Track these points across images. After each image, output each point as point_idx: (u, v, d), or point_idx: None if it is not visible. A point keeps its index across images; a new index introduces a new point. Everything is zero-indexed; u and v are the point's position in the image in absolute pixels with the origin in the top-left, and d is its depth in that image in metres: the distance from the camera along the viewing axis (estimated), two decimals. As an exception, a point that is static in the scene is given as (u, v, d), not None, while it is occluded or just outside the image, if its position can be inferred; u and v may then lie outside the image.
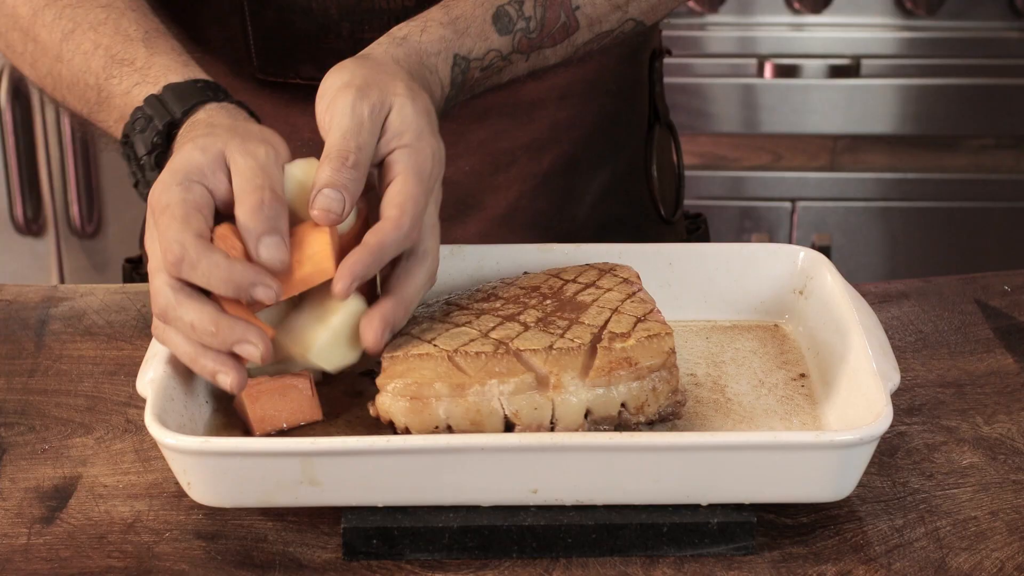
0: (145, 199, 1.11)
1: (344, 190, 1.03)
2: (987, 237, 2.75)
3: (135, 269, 1.61)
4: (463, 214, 1.44)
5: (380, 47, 1.15)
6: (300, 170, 1.06)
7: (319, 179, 1.03)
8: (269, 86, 1.39)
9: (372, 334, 1.04)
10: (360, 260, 1.02)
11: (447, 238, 1.26)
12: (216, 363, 1.02)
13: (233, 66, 1.39)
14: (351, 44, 1.34)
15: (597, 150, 1.46)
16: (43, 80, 1.28)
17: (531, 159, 1.43)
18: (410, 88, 1.08)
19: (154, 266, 1.03)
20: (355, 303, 1.05)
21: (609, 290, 1.11)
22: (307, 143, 1.38)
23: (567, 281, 1.13)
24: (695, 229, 1.62)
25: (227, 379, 1.01)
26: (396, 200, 1.04)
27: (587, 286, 1.12)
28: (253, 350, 1.00)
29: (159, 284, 1.02)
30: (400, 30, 1.17)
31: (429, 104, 1.09)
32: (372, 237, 1.03)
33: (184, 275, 1.00)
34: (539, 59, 1.25)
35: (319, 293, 1.05)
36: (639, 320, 1.07)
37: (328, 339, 1.05)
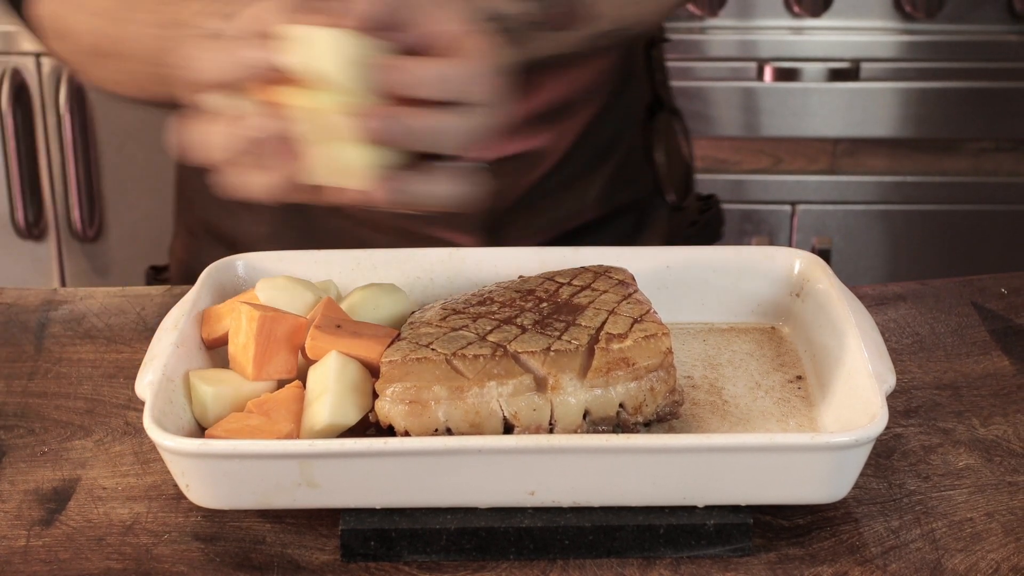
0: None
1: None
2: (987, 240, 2.75)
3: (157, 276, 1.61)
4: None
5: None
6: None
7: None
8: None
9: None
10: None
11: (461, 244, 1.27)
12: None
13: None
14: None
15: (598, 140, 1.46)
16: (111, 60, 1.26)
17: (534, 152, 1.43)
18: None
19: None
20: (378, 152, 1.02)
21: (605, 292, 1.11)
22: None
23: (562, 284, 1.13)
24: (706, 209, 1.62)
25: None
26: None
27: (583, 288, 1.12)
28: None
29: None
30: None
31: None
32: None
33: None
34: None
35: None
36: (636, 321, 1.07)
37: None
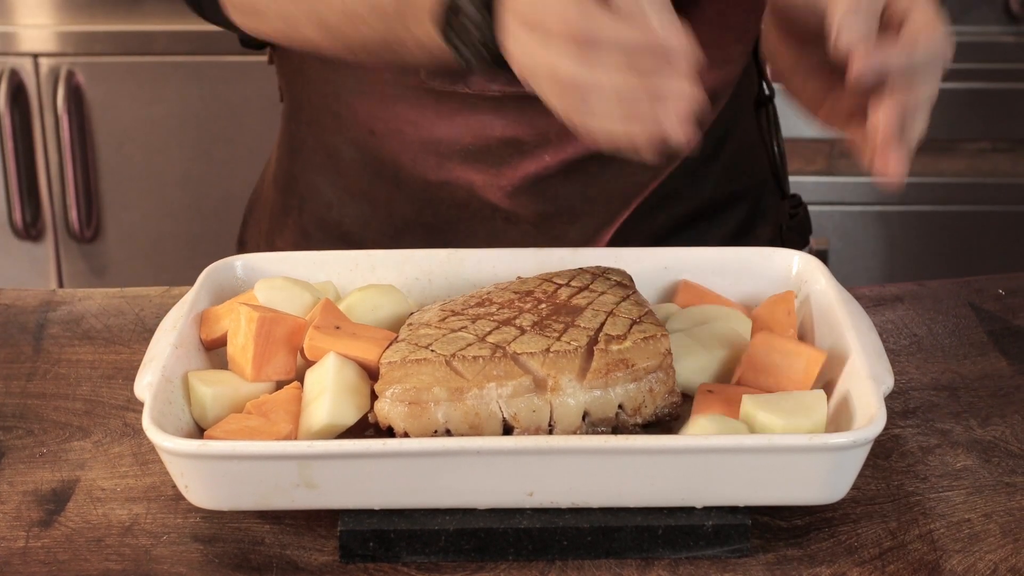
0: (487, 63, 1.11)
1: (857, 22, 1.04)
2: (984, 240, 2.75)
3: None
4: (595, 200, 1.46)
5: None
6: None
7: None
8: (435, 94, 1.38)
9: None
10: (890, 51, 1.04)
11: (593, 241, 1.33)
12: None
13: (396, 73, 1.39)
14: None
15: (717, 129, 1.47)
16: (308, 30, 1.26)
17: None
18: None
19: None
20: None
21: (603, 293, 1.11)
22: (467, 147, 1.39)
23: (560, 285, 1.13)
24: (796, 204, 1.63)
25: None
26: (921, 21, 1.06)
27: (581, 289, 1.12)
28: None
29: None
30: None
31: None
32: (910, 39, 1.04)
33: None
34: None
35: None
36: (634, 322, 1.07)
37: None
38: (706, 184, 1.49)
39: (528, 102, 1.30)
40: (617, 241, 1.42)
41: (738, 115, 1.53)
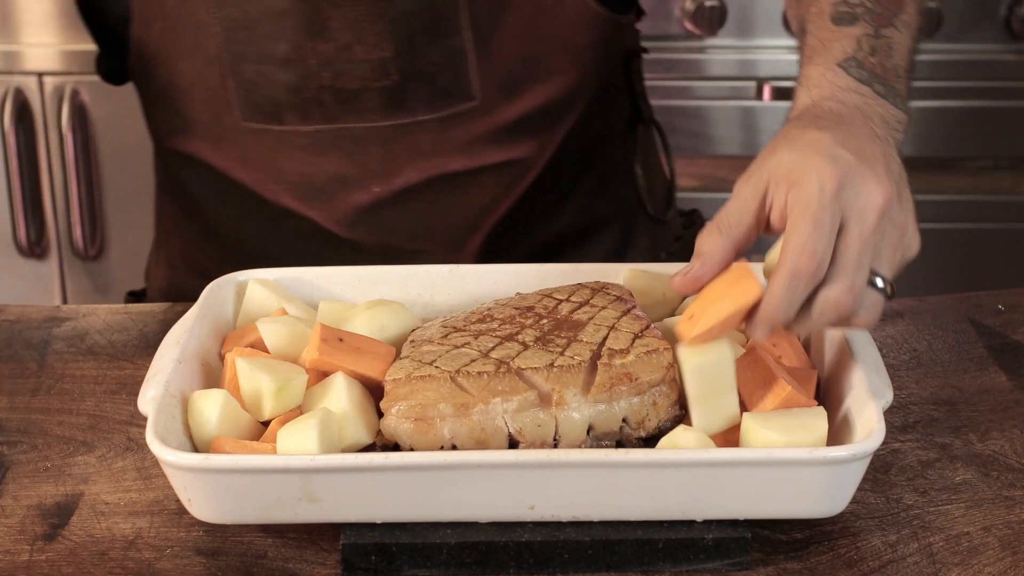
0: None
1: (702, 256, 1.04)
2: (985, 257, 2.76)
3: (137, 302, 1.62)
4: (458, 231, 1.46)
5: (797, 119, 1.12)
6: None
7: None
8: (253, 132, 1.40)
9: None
10: (760, 316, 1.02)
11: (450, 260, 1.28)
12: None
13: (216, 114, 1.41)
14: (332, 92, 1.37)
15: (577, 154, 1.48)
16: None
17: (514, 168, 1.45)
18: (789, 138, 1.06)
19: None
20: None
21: (604, 308, 1.12)
22: (294, 185, 1.41)
23: (561, 300, 1.14)
24: (689, 225, 1.63)
25: None
26: (784, 241, 1.01)
27: (581, 304, 1.13)
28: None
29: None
30: (793, 101, 1.15)
31: (819, 133, 1.05)
32: (768, 288, 1.02)
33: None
34: (905, 22, 1.23)
35: None
36: (637, 336, 1.08)
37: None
38: (568, 208, 1.49)
39: (345, 136, 1.32)
40: None
41: (605, 138, 1.52)
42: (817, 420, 1.04)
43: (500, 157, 1.43)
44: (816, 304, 1.01)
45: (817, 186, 1.00)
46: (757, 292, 1.01)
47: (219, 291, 1.21)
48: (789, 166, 1.03)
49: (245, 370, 1.08)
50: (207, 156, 1.44)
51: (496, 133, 1.41)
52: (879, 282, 1.04)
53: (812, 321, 1.02)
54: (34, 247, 2.74)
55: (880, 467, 1.12)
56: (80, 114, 2.65)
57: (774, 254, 1.03)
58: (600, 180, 1.51)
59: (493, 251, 1.45)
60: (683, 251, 1.57)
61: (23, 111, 2.66)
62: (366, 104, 1.37)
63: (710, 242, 1.03)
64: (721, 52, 2.65)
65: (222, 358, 1.15)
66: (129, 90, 1.50)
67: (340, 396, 1.06)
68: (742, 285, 1.02)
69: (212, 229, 1.50)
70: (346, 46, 1.35)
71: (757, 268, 1.07)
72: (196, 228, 1.51)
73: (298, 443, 1.02)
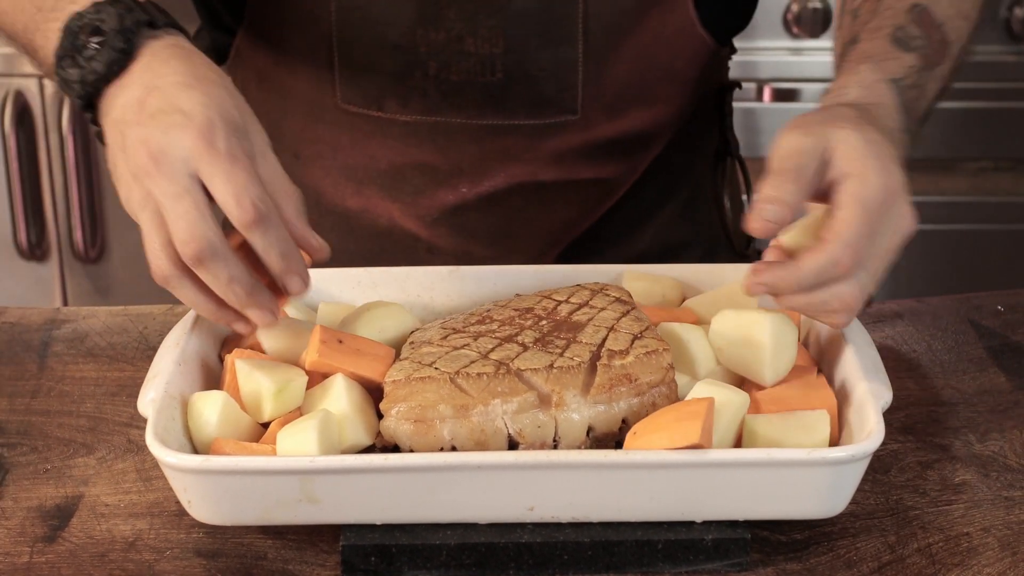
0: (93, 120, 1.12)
1: (778, 202, 1.03)
2: (985, 259, 2.76)
3: None
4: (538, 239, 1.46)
5: (824, 105, 1.15)
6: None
7: (760, 195, 1.04)
8: (350, 115, 1.40)
9: (754, 274, 1.05)
10: (778, 271, 1.04)
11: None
12: (235, 316, 1.08)
13: (316, 93, 1.41)
14: (436, 83, 1.36)
15: (663, 179, 1.48)
16: None
17: (602, 187, 1.45)
18: (856, 122, 1.08)
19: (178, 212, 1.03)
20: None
21: (603, 309, 1.12)
22: (383, 173, 1.40)
23: (560, 302, 1.14)
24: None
25: (259, 316, 1.07)
26: (833, 227, 1.03)
27: (581, 306, 1.13)
28: (270, 316, 1.07)
29: (192, 232, 1.03)
30: (835, 89, 1.17)
31: (878, 136, 1.07)
32: (802, 256, 1.03)
33: (207, 262, 1.03)
34: (940, 77, 1.24)
35: None
36: (636, 337, 1.08)
37: None
38: (647, 232, 1.49)
39: (440, 130, 1.32)
40: None
41: (691, 166, 1.52)
42: (820, 423, 1.04)
43: (590, 174, 1.43)
44: (828, 293, 1.03)
45: (882, 192, 1.03)
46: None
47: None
48: (856, 149, 1.04)
49: (244, 372, 1.08)
50: (298, 141, 1.43)
51: (591, 149, 1.41)
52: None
53: (809, 304, 1.04)
54: (35, 249, 2.74)
55: (879, 468, 1.13)
56: (81, 116, 2.65)
57: (794, 234, 1.06)
58: (684, 208, 1.52)
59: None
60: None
61: (24, 113, 2.66)
62: (467, 99, 1.37)
63: (784, 189, 1.03)
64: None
65: (222, 360, 1.15)
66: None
67: (340, 398, 1.07)
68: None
69: None
70: (458, 37, 1.35)
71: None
72: None
73: (298, 444, 1.02)
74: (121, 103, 1.08)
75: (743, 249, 1.58)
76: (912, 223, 1.06)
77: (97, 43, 1.10)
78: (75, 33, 1.11)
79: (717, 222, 1.56)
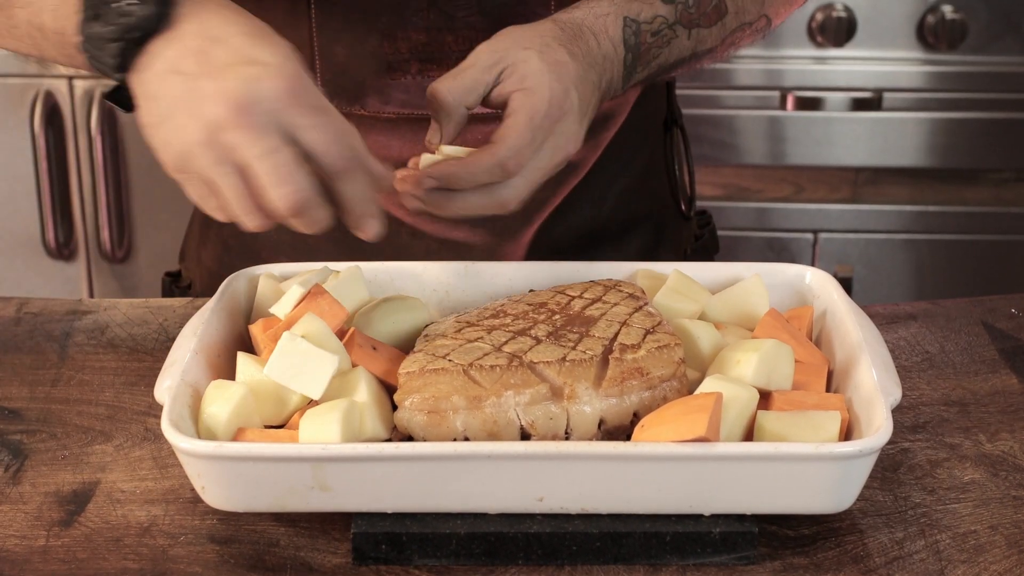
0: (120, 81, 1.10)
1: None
2: (1008, 269, 2.76)
3: (175, 283, 1.63)
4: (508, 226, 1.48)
5: (551, 14, 1.26)
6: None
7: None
8: None
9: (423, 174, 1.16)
10: (447, 167, 1.15)
11: (496, 255, 1.37)
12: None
13: None
14: (418, 80, 1.38)
15: (621, 152, 1.49)
16: None
17: (570, 166, 1.46)
18: (545, 43, 1.19)
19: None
20: None
21: (616, 304, 1.13)
22: None
23: (573, 297, 1.15)
24: (704, 224, 1.65)
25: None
26: (500, 133, 1.15)
27: (594, 301, 1.14)
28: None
29: (293, 185, 1.05)
30: (570, 6, 1.26)
31: (566, 58, 1.18)
32: (472, 157, 1.14)
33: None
34: (698, 40, 1.30)
35: None
36: (648, 332, 1.09)
37: None
38: (606, 203, 1.50)
39: (422, 124, 1.33)
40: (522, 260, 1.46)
41: (645, 138, 1.54)
42: (829, 423, 1.04)
43: None
44: (488, 197, 1.16)
45: (545, 106, 1.16)
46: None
47: (236, 284, 1.22)
48: (531, 69, 1.17)
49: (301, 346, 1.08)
50: None
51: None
52: None
53: (470, 205, 1.17)
54: (62, 249, 2.76)
55: (889, 466, 1.13)
56: (109, 117, 2.68)
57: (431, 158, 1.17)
58: (639, 179, 1.53)
59: (542, 243, 1.47)
60: (702, 249, 1.60)
61: (53, 114, 2.68)
62: None
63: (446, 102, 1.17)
64: (746, 62, 2.66)
65: (246, 344, 1.16)
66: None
67: (361, 390, 1.08)
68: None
69: None
70: (437, 32, 1.37)
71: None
72: None
73: (320, 432, 1.03)
74: (172, 55, 1.07)
75: (690, 213, 1.61)
76: (576, 145, 1.19)
77: None
78: None
79: (667, 190, 1.59)
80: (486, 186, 1.16)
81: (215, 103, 1.04)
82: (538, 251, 1.46)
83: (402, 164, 1.41)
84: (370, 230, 1.10)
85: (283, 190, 1.04)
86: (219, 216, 1.09)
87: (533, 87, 1.16)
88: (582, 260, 1.28)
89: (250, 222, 1.07)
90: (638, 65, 1.26)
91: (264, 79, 1.04)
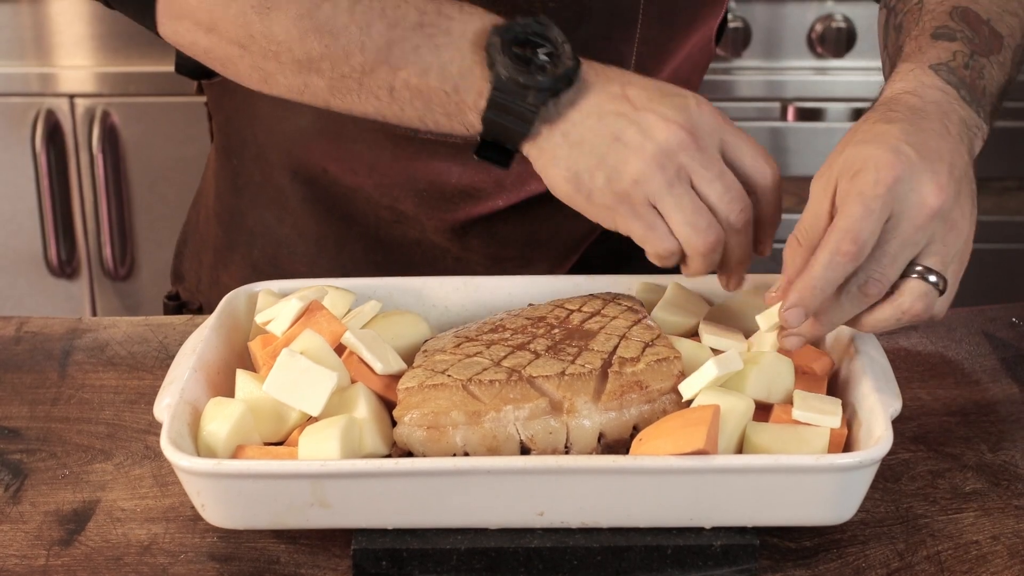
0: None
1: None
2: (1011, 278, 2.75)
3: (183, 307, 1.62)
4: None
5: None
6: None
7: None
8: (393, 137, 1.40)
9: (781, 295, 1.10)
10: (794, 290, 1.07)
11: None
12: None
13: (357, 121, 1.39)
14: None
15: None
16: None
17: None
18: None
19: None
20: None
21: (615, 318, 1.13)
22: (421, 191, 1.41)
23: (572, 311, 1.15)
24: None
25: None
26: (831, 226, 1.06)
27: (593, 315, 1.14)
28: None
29: (744, 200, 1.10)
30: (881, 94, 1.18)
31: (887, 127, 1.09)
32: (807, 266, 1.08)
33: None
34: (999, 63, 1.23)
35: None
36: (647, 345, 1.09)
37: None
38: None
39: None
40: None
41: None
42: (816, 438, 1.04)
43: None
44: (847, 290, 1.06)
45: (873, 176, 1.04)
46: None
47: (235, 301, 1.22)
48: (852, 158, 1.07)
49: (299, 363, 1.08)
50: (329, 159, 1.43)
51: None
52: (931, 277, 1.07)
53: (842, 308, 1.06)
54: (65, 267, 2.77)
55: (890, 476, 1.13)
56: (111, 135, 2.68)
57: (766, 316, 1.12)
58: None
59: (586, 270, 1.47)
60: None
61: (55, 132, 2.69)
62: None
63: (792, 255, 1.10)
64: (746, 73, 2.66)
65: (245, 362, 1.16)
66: (159, 111, 1.52)
67: (360, 405, 1.08)
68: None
69: (308, 234, 1.49)
70: None
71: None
72: (288, 231, 1.50)
73: (319, 449, 1.03)
74: (596, 100, 1.11)
75: None
76: (939, 191, 1.06)
77: (547, 53, 1.10)
78: (516, 41, 1.11)
79: None
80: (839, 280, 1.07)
81: (665, 129, 1.08)
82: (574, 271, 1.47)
83: (462, 191, 1.40)
84: (734, 285, 1.16)
85: (737, 204, 1.09)
86: (658, 249, 1.11)
87: (857, 169, 1.07)
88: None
89: (697, 239, 1.09)
90: (976, 95, 1.17)
91: (700, 106, 1.09)
